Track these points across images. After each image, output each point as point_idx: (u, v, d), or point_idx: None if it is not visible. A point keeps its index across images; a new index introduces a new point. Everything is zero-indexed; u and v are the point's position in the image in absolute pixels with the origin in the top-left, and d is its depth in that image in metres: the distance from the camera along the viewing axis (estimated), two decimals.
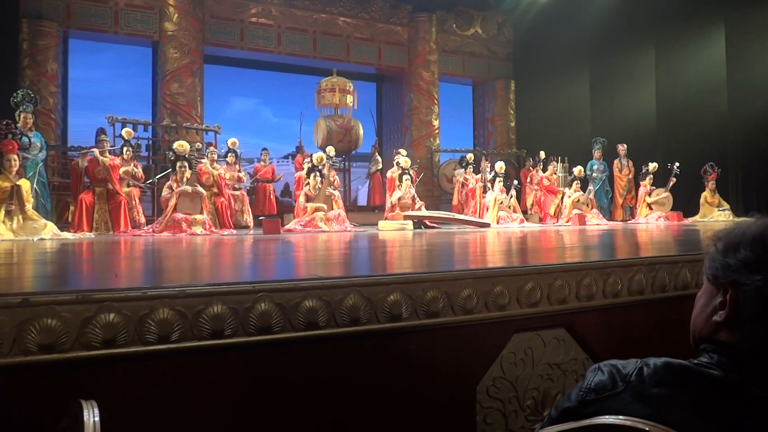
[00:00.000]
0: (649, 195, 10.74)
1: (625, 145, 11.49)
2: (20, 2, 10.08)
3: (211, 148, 9.27)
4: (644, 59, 12.55)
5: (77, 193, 7.37)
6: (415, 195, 9.30)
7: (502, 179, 9.94)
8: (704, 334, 1.01)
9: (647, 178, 10.81)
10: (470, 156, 12.00)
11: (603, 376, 0.98)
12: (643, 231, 6.37)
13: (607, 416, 0.91)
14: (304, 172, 9.33)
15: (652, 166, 10.85)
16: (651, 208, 10.66)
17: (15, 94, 7.33)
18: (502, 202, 9.73)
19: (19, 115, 7.16)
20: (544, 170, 11.36)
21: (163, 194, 7.24)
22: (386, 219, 8.96)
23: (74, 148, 9.46)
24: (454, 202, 12.18)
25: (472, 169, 11.54)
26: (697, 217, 10.37)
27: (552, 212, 10.70)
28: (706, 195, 10.42)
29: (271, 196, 10.72)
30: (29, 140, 7.06)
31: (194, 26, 11.44)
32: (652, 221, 10.22)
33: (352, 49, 13.51)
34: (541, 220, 10.84)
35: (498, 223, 9.38)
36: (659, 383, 0.93)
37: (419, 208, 9.12)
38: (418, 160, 12.66)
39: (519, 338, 2.02)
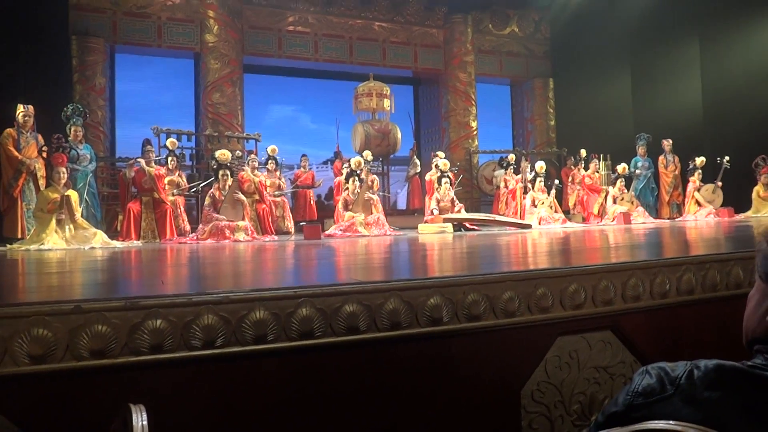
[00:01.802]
0: (698, 191, 10.40)
1: (671, 141, 11.16)
2: (69, 21, 10.49)
3: (252, 155, 9.44)
4: (688, 50, 12.17)
5: (125, 202, 7.60)
6: (455, 197, 9.24)
7: (542, 179, 9.79)
8: (758, 335, 0.97)
9: (695, 174, 10.47)
10: (511, 156, 11.86)
11: (651, 380, 0.95)
12: (691, 228, 6.17)
13: (656, 421, 0.88)
14: (343, 177, 9.39)
15: (700, 160, 10.50)
16: (700, 205, 10.31)
17: (65, 109, 7.63)
18: (543, 203, 9.59)
19: (70, 129, 7.45)
20: (586, 168, 11.14)
21: (206, 202, 7.40)
22: (426, 222, 8.93)
23: (122, 159, 9.79)
24: (495, 203, 12.08)
25: (512, 170, 11.41)
26: (749, 213, 9.97)
27: (595, 211, 10.48)
28: (758, 189, 10.02)
29: (312, 202, 10.82)
30: (77, 153, 7.32)
31: (233, 37, 11.68)
32: (702, 218, 9.90)
33: (388, 53, 13.55)
34: (585, 220, 10.63)
35: (540, 224, 9.24)
36: (711, 386, 0.89)
37: (459, 211, 9.06)
38: (457, 162, 12.60)
39: (563, 341, 1.98)
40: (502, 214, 10.87)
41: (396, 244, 5.23)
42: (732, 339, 1.24)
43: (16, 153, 6.76)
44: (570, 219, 10.07)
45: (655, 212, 10.86)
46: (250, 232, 7.24)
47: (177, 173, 8.60)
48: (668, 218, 10.67)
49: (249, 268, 3.01)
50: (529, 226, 8.93)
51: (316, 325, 1.63)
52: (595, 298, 2.04)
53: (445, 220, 8.57)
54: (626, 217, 9.49)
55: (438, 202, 9.04)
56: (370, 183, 9.01)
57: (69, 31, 10.44)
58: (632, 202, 10.13)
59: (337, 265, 3.08)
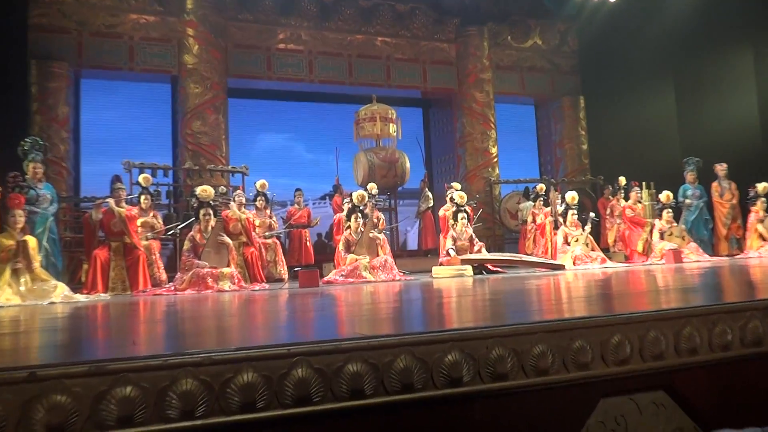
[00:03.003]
0: (761, 222, 10.34)
1: (725, 165, 11.15)
2: (28, 42, 10.73)
3: (238, 191, 9.51)
4: (740, 62, 12.30)
5: (91, 249, 7.62)
6: (474, 235, 9.23)
7: (576, 212, 9.78)
8: None
9: (758, 202, 10.41)
10: (538, 187, 11.90)
11: None
12: (755, 267, 6.12)
13: None
14: (344, 213, 9.42)
15: (762, 186, 10.47)
16: (764, 239, 10.25)
17: (23, 143, 7.61)
18: (577, 240, 9.56)
19: (28, 165, 7.48)
20: (626, 199, 11.13)
21: (185, 247, 7.42)
22: (441, 264, 8.90)
23: (87, 199, 9.87)
24: (521, 241, 12.03)
25: (540, 202, 11.42)
26: None
27: (640, 249, 10.42)
28: None
29: (308, 244, 10.84)
30: (36, 193, 7.36)
31: (216, 57, 11.93)
32: (767, 255, 9.81)
33: (393, 72, 13.78)
34: (627, 259, 10.56)
35: (575, 264, 9.19)
36: None
37: (479, 251, 9.04)
38: (476, 194, 12.65)
39: (608, 404, 1.95)
40: (530, 254, 10.81)
41: (407, 291, 5.20)
42: None
43: None
44: (610, 258, 10.01)
45: (711, 248, 10.78)
46: (236, 281, 7.23)
47: (151, 214, 8.66)
48: (726, 255, 10.58)
49: (235, 322, 3.00)
50: (561, 267, 8.87)
51: (314, 389, 1.61)
52: (644, 352, 2.01)
53: (463, 262, 8.53)
54: (676, 255, 9.42)
55: (454, 240, 9.02)
56: (375, 220, 9.02)
57: (28, 55, 10.67)
58: (683, 237, 10.07)
59: (338, 317, 3.07)
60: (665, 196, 10.41)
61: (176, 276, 7.35)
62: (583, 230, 9.69)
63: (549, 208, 10.70)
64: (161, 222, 8.82)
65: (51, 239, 7.41)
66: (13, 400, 1.41)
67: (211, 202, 7.61)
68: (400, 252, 12.50)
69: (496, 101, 14.27)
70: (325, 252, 12.18)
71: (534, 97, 15.33)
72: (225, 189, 9.63)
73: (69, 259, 8.78)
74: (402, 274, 8.40)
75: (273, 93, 13.66)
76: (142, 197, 8.66)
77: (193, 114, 11.48)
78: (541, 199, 11.46)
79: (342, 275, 7.95)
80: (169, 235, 9.24)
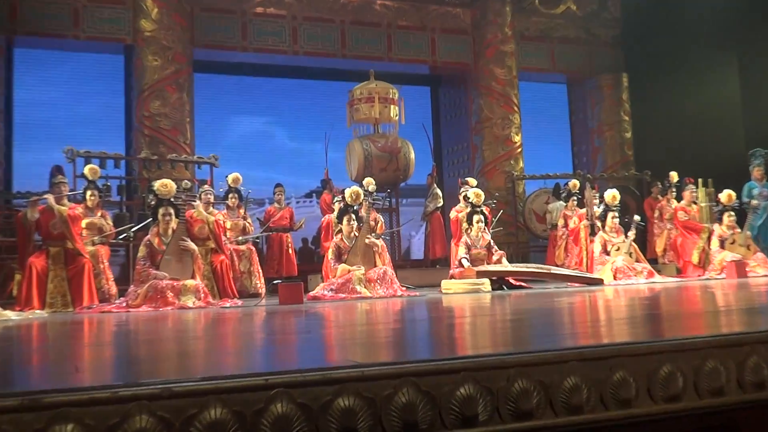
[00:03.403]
0: None
1: None
2: None
3: (206, 186, 9.50)
4: None
5: (25, 256, 7.59)
6: (492, 242, 9.23)
7: (617, 214, 9.77)
8: None
9: None
10: (572, 183, 11.90)
11: None
12: None
13: None
14: (334, 215, 9.40)
15: None
16: None
17: None
18: (619, 248, 9.56)
19: None
20: (679, 199, 11.12)
21: (140, 254, 7.41)
22: (452, 277, 8.89)
23: (21, 195, 9.86)
24: (549, 249, 12.02)
25: (573, 202, 11.41)
26: None
27: (695, 260, 10.41)
28: None
29: (290, 251, 10.84)
30: None
31: (180, 23, 11.93)
32: None
33: (396, 43, 13.78)
34: (680, 272, 10.55)
35: (615, 278, 9.18)
36: None
37: (498, 261, 9.04)
38: (495, 192, 12.65)
39: None
40: (561, 265, 10.80)
41: (410, 309, 5.19)
42: None
43: None
44: (659, 271, 10.00)
45: None
46: (202, 295, 7.21)
47: (99, 213, 8.65)
48: None
49: (201, 346, 3.00)
50: (600, 282, 8.86)
51: (296, 428, 1.60)
52: (699, 386, 2.01)
53: (479, 274, 8.53)
54: (740, 268, 9.41)
55: (469, 248, 9.02)
56: (372, 223, 9.00)
57: None
58: (748, 246, 10.06)
59: (326, 340, 3.06)
60: (726, 196, 10.39)
61: (129, 289, 7.33)
62: (626, 237, 9.67)
63: (584, 210, 10.69)
64: (111, 223, 8.81)
65: None
66: None
67: (172, 199, 7.59)
68: (402, 262, 12.50)
69: (521, 79, 14.27)
70: (311, 261, 12.16)
71: (567, 75, 15.33)
72: (189, 184, 9.61)
73: None
74: (404, 288, 8.38)
75: (249, 67, 13.64)
76: (89, 193, 8.64)
77: (152, 92, 11.47)
78: (575, 198, 11.45)
79: (331, 290, 7.93)
80: (121, 239, 9.22)
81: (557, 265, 10.68)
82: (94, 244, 8.29)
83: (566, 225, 11.32)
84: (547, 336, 2.75)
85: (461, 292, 8.15)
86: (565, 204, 11.73)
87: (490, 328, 3.19)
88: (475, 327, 3.35)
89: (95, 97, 12.50)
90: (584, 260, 10.17)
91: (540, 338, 2.70)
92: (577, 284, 8.81)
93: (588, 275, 9.27)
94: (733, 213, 10.26)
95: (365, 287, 7.96)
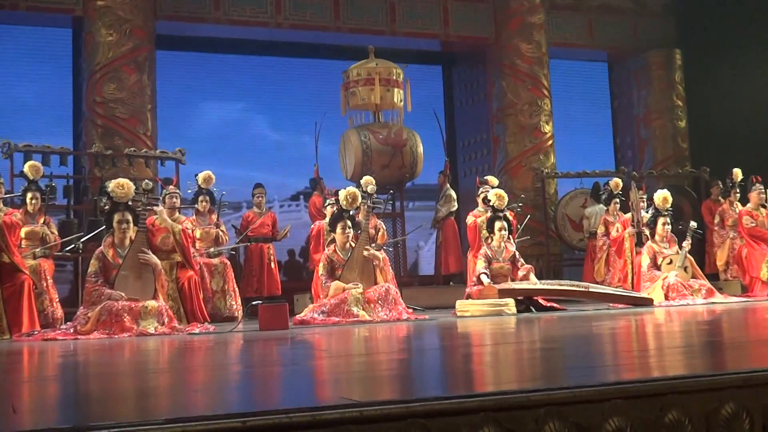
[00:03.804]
0: None
1: None
2: None
3: (171, 187, 9.50)
4: None
5: None
6: (518, 254, 9.21)
7: (669, 220, 9.74)
8: None
9: None
10: (614, 182, 11.86)
11: None
12: None
13: None
14: (326, 221, 9.38)
15: None
16: None
17: None
18: (671, 261, 9.53)
19: None
20: (744, 201, 11.10)
21: (90, 269, 7.40)
22: (469, 297, 8.88)
23: None
24: (587, 262, 11.99)
25: (615, 205, 11.38)
26: None
27: (764, 276, 10.39)
28: None
29: (273, 265, 10.82)
30: None
31: None
32: None
33: (400, 13, 13.77)
34: (746, 290, 10.52)
35: (668, 297, 9.15)
36: None
37: (525, 277, 9.02)
38: (521, 194, 12.61)
39: None
40: (601, 282, 10.77)
41: (418, 336, 5.18)
42: None
43: None
44: (720, 289, 9.97)
45: None
46: (166, 319, 7.20)
47: (42, 220, 8.63)
48: None
49: (164, 381, 3.00)
50: (648, 302, 8.83)
51: None
52: None
53: (502, 293, 8.51)
54: None
55: (489, 261, 9.00)
56: (372, 231, 8.99)
57: None
58: None
59: (316, 374, 3.06)
60: None
61: (78, 312, 7.32)
62: (680, 247, 9.64)
63: (629, 215, 10.67)
64: (56, 232, 8.79)
65: None
66: None
67: (129, 203, 7.59)
68: (408, 278, 12.47)
69: (552, 56, 14.26)
70: (298, 277, 12.16)
71: (607, 51, 15.32)
72: (151, 184, 9.61)
73: None
74: (411, 311, 8.36)
75: (223, 43, 13.61)
76: (29, 195, 8.62)
77: (105, 73, 11.45)
78: (618, 200, 11.42)
79: (323, 312, 7.92)
80: (67, 251, 9.21)
81: (597, 282, 10.64)
82: (35, 257, 8.27)
83: (607, 233, 11.26)
84: (584, 369, 2.75)
85: (480, 315, 8.13)
86: (605, 208, 11.68)
87: (515, 359, 3.19)
88: (497, 358, 3.34)
89: (37, 81, 12.46)
90: (629, 276, 10.14)
91: (576, 371, 2.69)
92: (620, 305, 8.79)
93: (634, 294, 9.24)
94: None
95: (363, 309, 7.94)
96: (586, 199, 13.02)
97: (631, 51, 15.17)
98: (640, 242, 10.15)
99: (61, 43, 12.45)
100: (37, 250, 8.38)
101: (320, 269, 8.49)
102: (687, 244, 9.70)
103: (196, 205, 9.88)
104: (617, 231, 10.82)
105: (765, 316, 5.51)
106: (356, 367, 3.18)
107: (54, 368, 3.95)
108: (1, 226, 7.57)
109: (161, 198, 8.91)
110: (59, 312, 8.20)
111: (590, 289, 9.43)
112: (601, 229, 11.58)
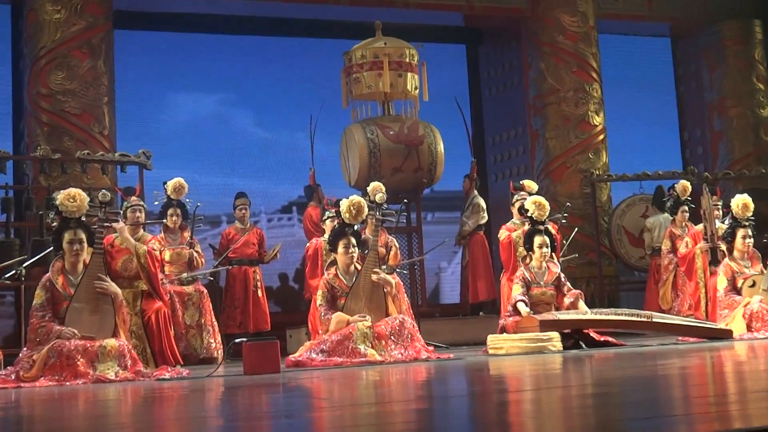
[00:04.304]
0: None
1: None
2: None
3: (133, 199, 9.51)
4: None
5: None
6: (563, 276, 9.19)
7: (750, 232, 9.71)
8: None
9: None
10: (681, 185, 11.83)
11: None
12: None
13: None
14: (325, 238, 9.38)
15: None
16: None
17: None
18: (754, 283, 9.50)
19: None
20: None
21: (36, 301, 7.41)
22: (503, 330, 8.86)
23: None
24: (649, 284, 11.95)
25: (683, 214, 11.35)
26: None
27: None
28: None
29: (260, 293, 10.82)
30: None
31: None
32: None
33: None
34: None
35: (750, 328, 9.12)
36: None
37: (573, 305, 8.99)
38: (566, 201, 12.59)
39: None
40: (668, 311, 10.74)
41: (441, 380, 5.17)
42: None
43: None
44: None
45: None
46: (129, 362, 7.22)
47: None
48: None
49: None
50: (727, 335, 8.81)
51: None
52: None
53: (544, 326, 8.48)
54: None
55: (528, 286, 8.98)
56: (382, 250, 8.99)
57: None
58: None
59: (315, 429, 3.06)
60: None
61: (21, 354, 7.35)
62: (766, 266, 9.62)
63: (701, 226, 10.66)
64: None
65: None
66: None
67: (83, 218, 7.62)
68: (428, 308, 12.47)
69: (601, 31, 14.30)
70: (292, 308, 12.17)
71: (671, 24, 15.33)
72: (109, 195, 9.62)
73: None
74: (431, 348, 8.37)
75: (196, 21, 13.70)
76: None
77: (52, 59, 11.52)
78: (686, 209, 11.40)
79: (322, 351, 7.93)
80: (7, 279, 9.24)
81: (662, 311, 10.62)
82: None
83: (674, 249, 11.23)
84: (647, 420, 2.73)
85: (517, 353, 8.11)
86: (671, 218, 11.66)
87: (561, 408, 3.18)
88: (540, 406, 3.33)
89: None
90: (703, 302, 10.11)
91: (637, 423, 2.67)
92: (692, 339, 8.76)
93: (709, 325, 9.21)
94: None
95: (373, 347, 7.94)
96: (648, 208, 13.01)
97: (699, 23, 15.19)
98: (715, 260, 10.11)
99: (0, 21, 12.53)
100: None
101: (318, 298, 8.48)
102: None
103: (164, 220, 9.88)
104: (686, 246, 10.79)
105: None
106: (364, 419, 3.17)
107: None
108: None
109: (122, 212, 8.93)
110: None
111: (654, 320, 9.39)
112: (666, 245, 11.54)
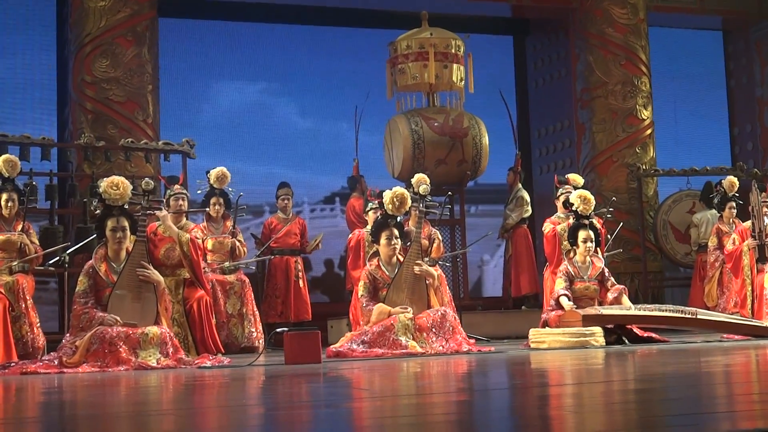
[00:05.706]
0: None
1: None
2: None
3: (176, 187, 9.53)
4: None
5: None
6: (607, 271, 9.15)
7: None
8: None
9: None
10: (728, 181, 11.72)
11: None
12: None
13: None
14: (368, 229, 9.39)
15: None
16: None
17: None
18: None
19: None
20: None
21: (79, 288, 7.46)
22: (545, 324, 8.83)
23: None
24: (694, 280, 11.87)
25: (731, 210, 11.26)
26: None
27: None
28: None
29: (301, 283, 10.83)
30: None
31: None
32: None
33: None
34: None
35: None
36: None
37: (616, 300, 8.95)
38: (612, 196, 12.52)
39: None
40: (714, 308, 10.64)
41: (482, 373, 5.16)
42: None
43: None
44: None
45: None
46: (171, 350, 7.25)
47: (19, 227, 8.73)
48: None
49: (168, 427, 3.01)
50: None
51: None
52: None
53: (587, 321, 8.45)
54: None
55: (571, 280, 8.95)
56: (425, 242, 8.97)
57: None
58: None
59: (355, 419, 3.06)
60: None
61: (63, 340, 7.39)
62: None
63: (749, 223, 10.57)
64: (37, 242, 8.88)
65: None
66: None
67: (126, 206, 7.66)
68: (470, 301, 12.43)
69: (651, 24, 14.19)
70: (333, 299, 12.18)
71: (723, 17, 15.17)
72: (152, 183, 9.67)
73: None
74: (473, 341, 8.36)
75: (240, 9, 13.71)
76: (3, 197, 8.72)
77: (96, 47, 11.57)
78: (734, 205, 11.30)
79: (363, 342, 7.93)
80: (51, 265, 9.30)
81: (707, 308, 10.53)
82: (11, 272, 8.34)
83: (721, 246, 11.13)
84: (690, 416, 2.72)
85: (559, 348, 8.11)
86: (719, 214, 11.57)
87: (603, 404, 3.17)
88: (581, 401, 3.32)
89: (11, 56, 12.57)
90: (749, 300, 10.03)
91: (680, 420, 2.66)
92: (737, 336, 8.71)
93: (754, 323, 9.14)
94: None
95: (414, 339, 7.93)
96: (695, 203, 12.91)
97: (752, 17, 15.02)
98: (763, 257, 10.03)
99: (42, 9, 12.55)
100: (14, 263, 8.43)
101: (360, 289, 8.48)
102: None
103: (207, 209, 9.92)
104: (734, 243, 10.68)
105: None
106: (404, 410, 3.18)
107: (33, 409, 3.99)
108: None
109: (165, 200, 8.97)
110: (41, 339, 8.25)
111: (699, 316, 9.32)
112: (713, 241, 11.43)
